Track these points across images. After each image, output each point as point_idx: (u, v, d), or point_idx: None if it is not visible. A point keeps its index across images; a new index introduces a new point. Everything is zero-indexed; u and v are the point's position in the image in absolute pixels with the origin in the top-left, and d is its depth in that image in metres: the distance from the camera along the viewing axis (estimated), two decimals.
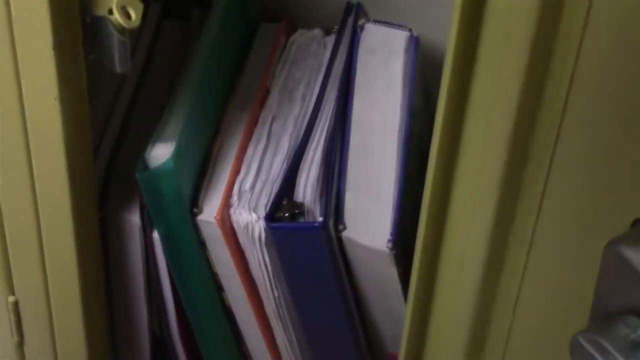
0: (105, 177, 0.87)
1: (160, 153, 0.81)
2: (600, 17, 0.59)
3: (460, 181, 0.71)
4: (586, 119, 0.62)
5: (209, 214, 0.84)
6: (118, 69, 0.74)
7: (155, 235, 0.84)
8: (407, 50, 0.89)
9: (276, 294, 0.87)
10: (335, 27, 0.95)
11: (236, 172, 0.86)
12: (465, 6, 0.64)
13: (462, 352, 0.76)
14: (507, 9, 0.62)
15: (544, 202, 0.66)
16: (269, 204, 0.83)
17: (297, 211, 0.83)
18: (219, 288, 0.89)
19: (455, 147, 0.70)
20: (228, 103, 0.91)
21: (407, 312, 0.79)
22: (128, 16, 0.73)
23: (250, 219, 0.83)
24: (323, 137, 0.86)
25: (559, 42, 0.62)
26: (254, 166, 0.87)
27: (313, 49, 0.95)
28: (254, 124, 0.90)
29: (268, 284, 0.87)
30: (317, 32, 0.96)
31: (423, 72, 0.93)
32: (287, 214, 0.83)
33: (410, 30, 0.90)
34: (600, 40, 0.60)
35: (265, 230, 0.83)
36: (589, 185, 0.61)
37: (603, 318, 0.50)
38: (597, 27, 0.60)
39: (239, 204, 0.84)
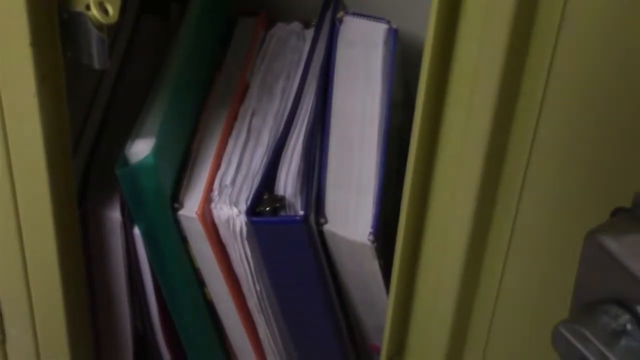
0: (85, 173, 0.87)
1: (140, 149, 0.80)
2: (577, 13, 0.60)
3: (441, 173, 0.71)
4: (564, 111, 0.62)
5: (189, 209, 0.84)
6: (96, 65, 0.74)
7: (136, 231, 0.84)
8: (386, 43, 0.89)
9: (258, 288, 0.87)
10: (314, 20, 0.95)
11: (216, 167, 0.86)
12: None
13: (445, 342, 0.76)
14: (485, 1, 0.62)
15: (523, 193, 0.66)
16: (250, 199, 0.83)
17: (278, 205, 0.83)
18: (200, 283, 0.89)
19: (435, 139, 0.70)
20: (207, 98, 0.91)
21: (389, 303, 0.79)
22: (105, 12, 0.73)
23: (231, 214, 0.83)
24: (303, 131, 0.86)
25: (536, 34, 0.62)
26: (235, 161, 0.86)
27: (292, 43, 0.95)
28: (233, 118, 0.90)
29: (250, 278, 0.86)
30: (296, 25, 0.96)
31: (403, 64, 0.93)
32: (268, 208, 0.83)
33: (388, 22, 0.90)
34: (576, 33, 0.60)
35: (246, 224, 0.83)
36: (568, 176, 0.62)
37: (584, 307, 0.50)
38: (573, 21, 0.60)
39: (219, 199, 0.84)
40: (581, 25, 0.59)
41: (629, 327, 0.49)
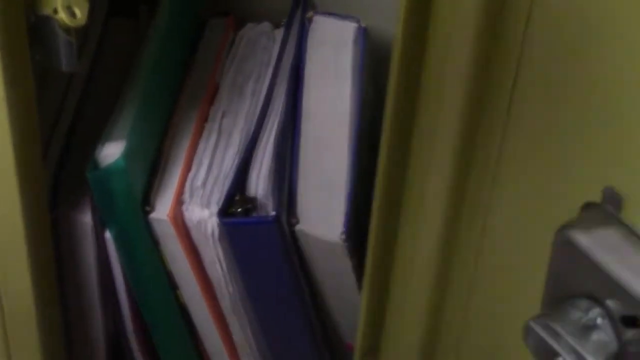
0: (56, 177, 0.86)
1: (111, 152, 0.80)
2: (544, 10, 0.60)
3: (411, 172, 0.71)
4: (534, 106, 0.62)
5: (161, 211, 0.83)
6: (64, 68, 0.74)
7: (108, 234, 0.84)
8: (355, 42, 0.89)
9: (231, 289, 0.87)
10: (284, 20, 0.95)
11: (187, 168, 0.86)
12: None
13: (419, 340, 0.77)
14: None
15: (494, 188, 0.66)
16: (222, 200, 0.83)
17: (250, 206, 0.83)
18: (173, 286, 0.88)
19: (405, 137, 0.70)
20: (178, 100, 0.91)
21: (362, 302, 0.79)
22: (73, 15, 0.72)
23: (203, 216, 0.83)
24: (274, 131, 0.86)
25: (504, 30, 0.62)
26: (206, 162, 0.86)
27: (262, 43, 0.95)
28: (204, 120, 0.89)
29: (223, 280, 0.86)
30: (265, 25, 0.96)
31: (374, 62, 0.93)
32: (240, 209, 0.82)
33: (358, 21, 0.90)
34: (544, 28, 0.60)
35: (218, 226, 0.83)
36: (538, 172, 0.62)
37: (555, 302, 0.51)
38: (540, 19, 0.60)
39: (191, 201, 0.84)
40: (549, 21, 0.60)
41: (599, 321, 0.49)
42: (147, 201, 0.84)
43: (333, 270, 0.86)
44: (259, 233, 0.83)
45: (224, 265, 0.85)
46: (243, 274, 0.86)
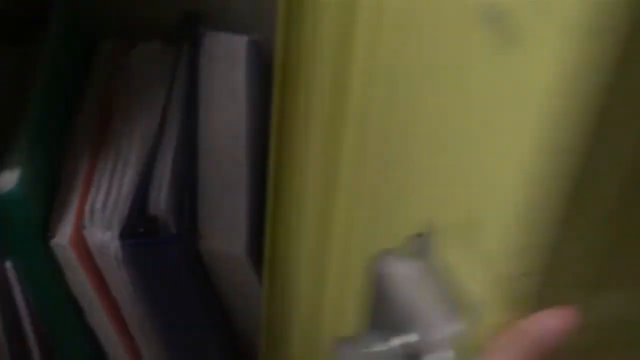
0: None
1: (6, 180, 0.80)
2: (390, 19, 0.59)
3: (291, 182, 0.71)
4: (372, 134, 0.61)
5: (62, 237, 0.83)
6: None
7: (8, 264, 0.84)
8: (248, 56, 0.89)
9: (138, 311, 0.87)
10: (176, 38, 0.94)
11: (86, 192, 0.85)
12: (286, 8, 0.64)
13: (299, 348, 0.77)
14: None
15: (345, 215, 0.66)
16: (122, 221, 0.83)
17: (151, 226, 0.83)
18: (79, 310, 0.88)
19: (289, 146, 0.70)
20: (74, 123, 0.90)
21: (262, 313, 0.79)
22: None
23: (105, 239, 0.83)
24: (172, 149, 0.86)
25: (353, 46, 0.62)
26: (104, 184, 0.86)
27: (154, 63, 0.94)
28: (101, 142, 0.89)
29: (129, 302, 0.86)
30: (157, 45, 0.95)
31: (268, 75, 0.92)
32: (142, 230, 0.82)
33: (249, 35, 0.90)
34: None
35: (120, 248, 0.83)
36: (369, 204, 0.61)
37: (364, 331, 0.50)
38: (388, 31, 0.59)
39: (92, 224, 0.83)
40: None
41: (398, 353, 0.48)
42: (47, 227, 0.84)
43: (239, 284, 0.86)
44: (162, 252, 0.83)
45: (130, 287, 0.85)
46: (149, 293, 0.86)
